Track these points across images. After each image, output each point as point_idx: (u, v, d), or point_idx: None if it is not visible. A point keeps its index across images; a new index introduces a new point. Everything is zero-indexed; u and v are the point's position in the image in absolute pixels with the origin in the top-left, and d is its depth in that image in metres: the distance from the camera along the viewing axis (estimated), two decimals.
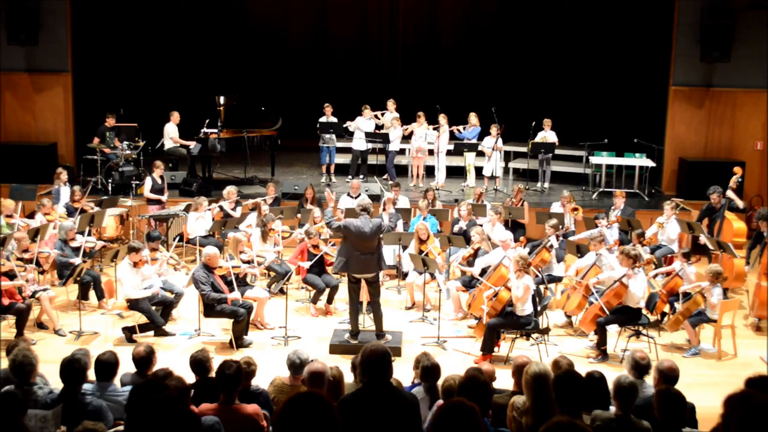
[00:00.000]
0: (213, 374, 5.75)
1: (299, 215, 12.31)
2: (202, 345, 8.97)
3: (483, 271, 9.77)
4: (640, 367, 5.62)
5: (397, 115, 15.10)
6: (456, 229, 11.54)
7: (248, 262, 9.99)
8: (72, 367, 5.20)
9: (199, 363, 5.83)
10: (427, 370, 5.67)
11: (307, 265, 10.18)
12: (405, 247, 10.80)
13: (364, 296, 9.32)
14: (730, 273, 10.25)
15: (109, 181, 13.94)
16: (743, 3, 13.98)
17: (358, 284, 8.96)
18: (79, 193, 12.00)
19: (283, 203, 12.94)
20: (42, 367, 5.55)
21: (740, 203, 11.80)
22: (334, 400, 4.58)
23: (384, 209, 11.44)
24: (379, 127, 15.23)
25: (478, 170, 14.92)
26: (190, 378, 5.68)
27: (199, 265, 9.33)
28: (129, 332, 9.17)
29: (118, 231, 12.69)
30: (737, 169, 11.69)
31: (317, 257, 10.18)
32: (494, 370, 6.03)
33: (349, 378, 5.94)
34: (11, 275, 9.08)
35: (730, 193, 11.51)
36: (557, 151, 14.76)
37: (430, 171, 15.31)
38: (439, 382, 5.67)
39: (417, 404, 4.55)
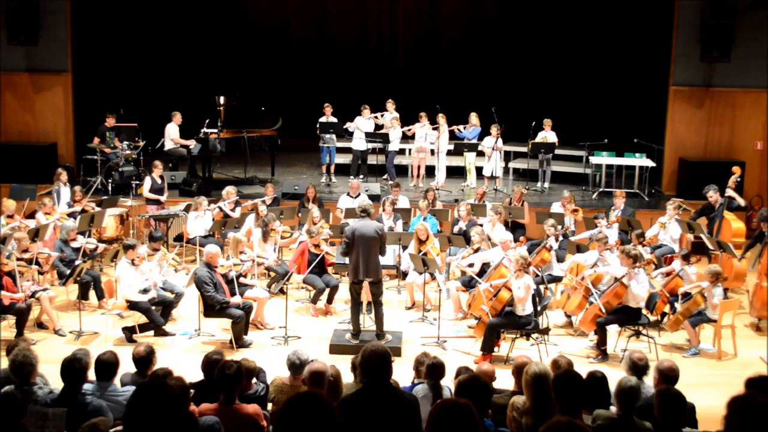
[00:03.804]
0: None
1: (299, 215, 12.32)
2: (202, 345, 9.01)
3: (483, 271, 9.77)
4: (637, 368, 5.61)
5: (397, 115, 15.11)
6: (456, 229, 11.54)
7: (246, 262, 9.99)
8: (72, 367, 5.19)
9: (211, 364, 5.76)
10: (433, 368, 5.67)
11: (303, 274, 10.19)
12: (405, 247, 10.80)
13: (364, 296, 9.31)
14: (730, 273, 10.25)
15: (109, 181, 13.95)
16: (743, 3, 13.99)
17: (360, 285, 8.96)
18: (80, 194, 12.00)
19: (282, 203, 12.94)
20: (42, 367, 5.56)
21: (741, 201, 11.81)
22: (333, 400, 4.59)
23: (383, 209, 11.46)
24: (378, 127, 15.24)
25: (479, 170, 14.93)
26: (190, 377, 5.67)
27: (202, 264, 9.34)
28: (129, 332, 9.17)
29: (118, 231, 12.70)
30: (736, 169, 11.70)
31: (318, 258, 10.17)
32: (494, 370, 6.02)
33: (347, 377, 5.94)
34: (13, 276, 9.08)
35: (729, 192, 11.51)
36: (557, 151, 14.76)
37: (430, 171, 15.30)
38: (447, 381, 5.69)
39: (417, 404, 4.55)
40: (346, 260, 9.51)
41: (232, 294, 9.16)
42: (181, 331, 9.57)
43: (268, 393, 6.02)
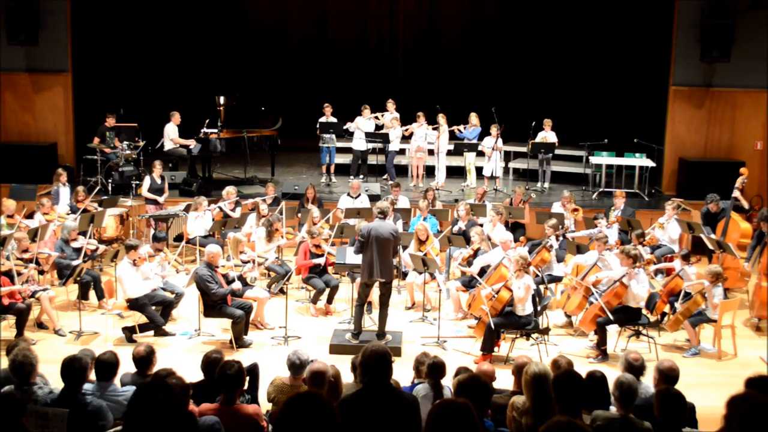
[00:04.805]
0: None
1: (299, 215, 12.32)
2: (202, 345, 9.01)
3: (483, 271, 9.77)
4: (633, 369, 5.60)
5: (397, 115, 15.11)
6: (455, 229, 11.54)
7: (247, 263, 9.99)
8: (72, 367, 5.19)
9: (212, 364, 5.75)
10: (434, 367, 5.67)
11: (317, 260, 10.19)
12: (405, 247, 10.80)
13: (371, 298, 9.32)
14: (735, 273, 10.25)
15: (109, 181, 13.95)
16: (743, 3, 13.99)
17: (370, 287, 8.97)
18: (83, 194, 12.00)
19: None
20: (42, 367, 5.56)
21: (745, 203, 11.86)
22: (333, 400, 4.59)
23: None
24: (378, 127, 15.24)
25: (479, 170, 14.93)
26: (190, 377, 5.68)
27: (202, 264, 9.33)
28: (129, 332, 9.17)
29: (118, 231, 12.70)
30: (744, 171, 11.72)
31: (321, 259, 10.16)
32: (494, 370, 6.03)
33: (347, 377, 5.94)
34: (11, 275, 9.09)
35: (736, 193, 11.52)
36: (557, 151, 14.76)
37: (430, 171, 15.31)
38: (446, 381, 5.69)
39: (417, 404, 4.55)
40: (347, 260, 9.54)
41: (233, 294, 9.16)
42: (181, 331, 9.57)
43: (254, 401, 5.99)
